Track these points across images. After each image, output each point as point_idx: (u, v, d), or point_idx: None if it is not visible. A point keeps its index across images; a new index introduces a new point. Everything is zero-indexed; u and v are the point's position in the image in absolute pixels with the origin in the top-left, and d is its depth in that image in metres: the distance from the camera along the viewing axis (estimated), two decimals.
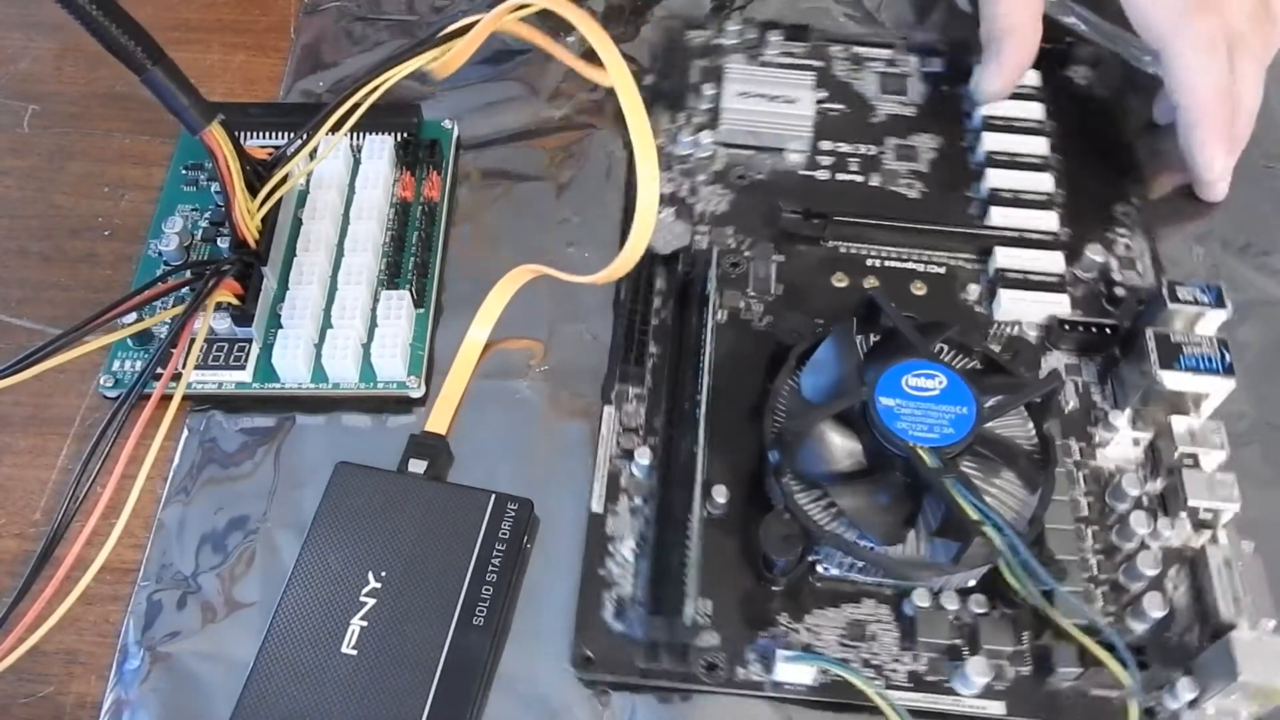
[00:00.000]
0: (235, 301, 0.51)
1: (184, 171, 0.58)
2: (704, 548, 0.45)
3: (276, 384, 0.52)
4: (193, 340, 0.50)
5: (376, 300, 0.53)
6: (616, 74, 0.47)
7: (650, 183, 0.47)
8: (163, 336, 0.51)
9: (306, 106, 0.60)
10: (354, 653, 0.43)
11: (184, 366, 0.49)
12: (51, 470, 0.50)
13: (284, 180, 0.51)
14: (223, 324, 0.52)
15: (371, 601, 0.44)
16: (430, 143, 0.58)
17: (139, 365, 0.52)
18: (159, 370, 0.48)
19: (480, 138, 0.60)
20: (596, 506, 0.48)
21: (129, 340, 0.52)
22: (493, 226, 0.58)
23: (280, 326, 0.52)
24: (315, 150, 0.52)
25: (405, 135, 0.58)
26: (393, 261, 0.55)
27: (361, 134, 0.58)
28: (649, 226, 0.48)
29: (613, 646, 0.45)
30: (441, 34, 0.55)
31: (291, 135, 0.52)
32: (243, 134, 0.51)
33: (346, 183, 0.57)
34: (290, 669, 0.43)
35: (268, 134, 0.57)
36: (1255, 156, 0.60)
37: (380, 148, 0.57)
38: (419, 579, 0.45)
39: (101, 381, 0.51)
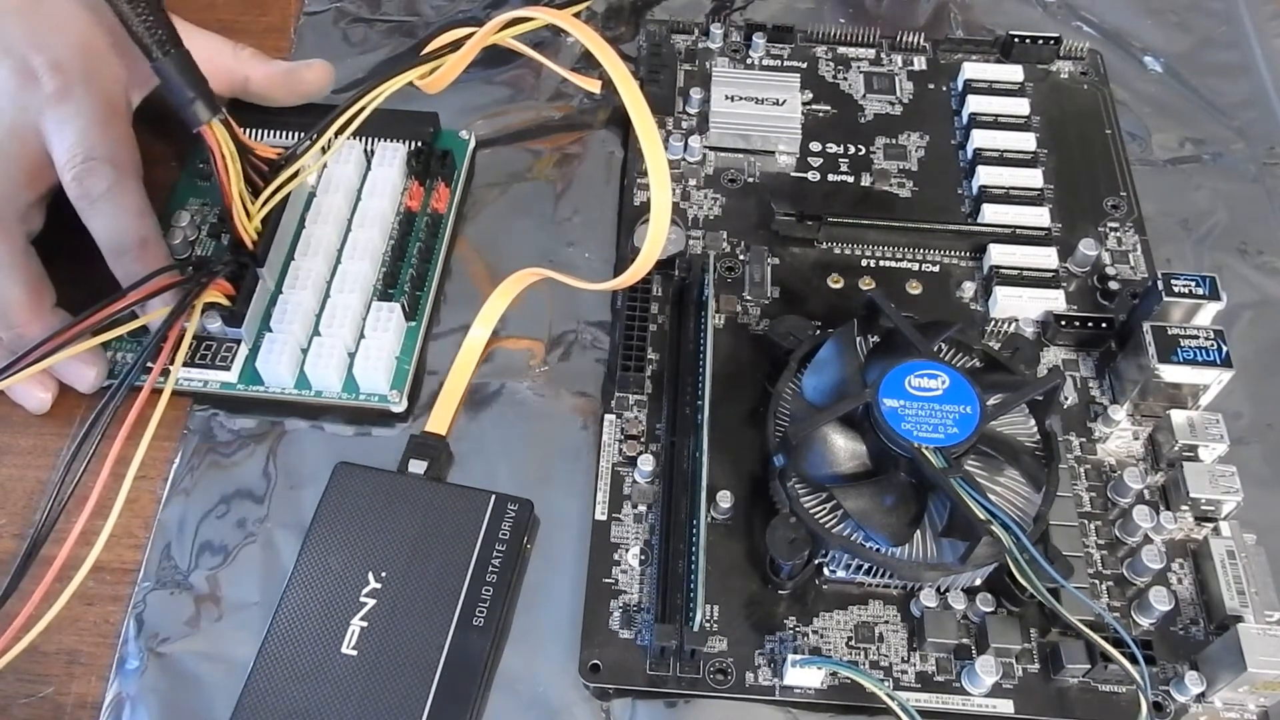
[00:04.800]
0: (225, 302, 0.48)
1: (200, 165, 0.55)
2: (710, 553, 0.43)
3: (260, 387, 0.48)
4: (181, 338, 0.46)
5: (369, 310, 0.50)
6: (624, 87, 0.45)
7: (663, 193, 0.45)
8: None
9: (314, 108, 0.56)
10: (354, 653, 0.41)
11: (172, 364, 0.46)
12: (51, 470, 0.47)
13: (285, 183, 0.48)
14: (215, 322, 0.49)
15: (371, 602, 0.42)
16: (443, 154, 0.55)
17: (132, 358, 0.49)
18: (149, 365, 0.45)
19: (481, 138, 0.57)
20: (600, 514, 0.45)
21: (125, 334, 0.48)
22: (493, 226, 0.55)
23: (269, 330, 0.49)
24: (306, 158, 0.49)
25: (420, 144, 0.55)
26: (390, 272, 0.51)
27: (375, 139, 0.54)
28: (661, 238, 0.46)
29: (620, 655, 0.43)
30: (430, 48, 0.53)
31: (299, 136, 0.49)
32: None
33: (356, 188, 0.54)
34: (290, 669, 0.41)
35: (266, 133, 0.54)
36: (1255, 155, 0.58)
37: (392, 155, 0.54)
38: (419, 579, 0.43)
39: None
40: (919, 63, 0.60)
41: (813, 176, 0.56)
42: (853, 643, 0.43)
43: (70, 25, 0.48)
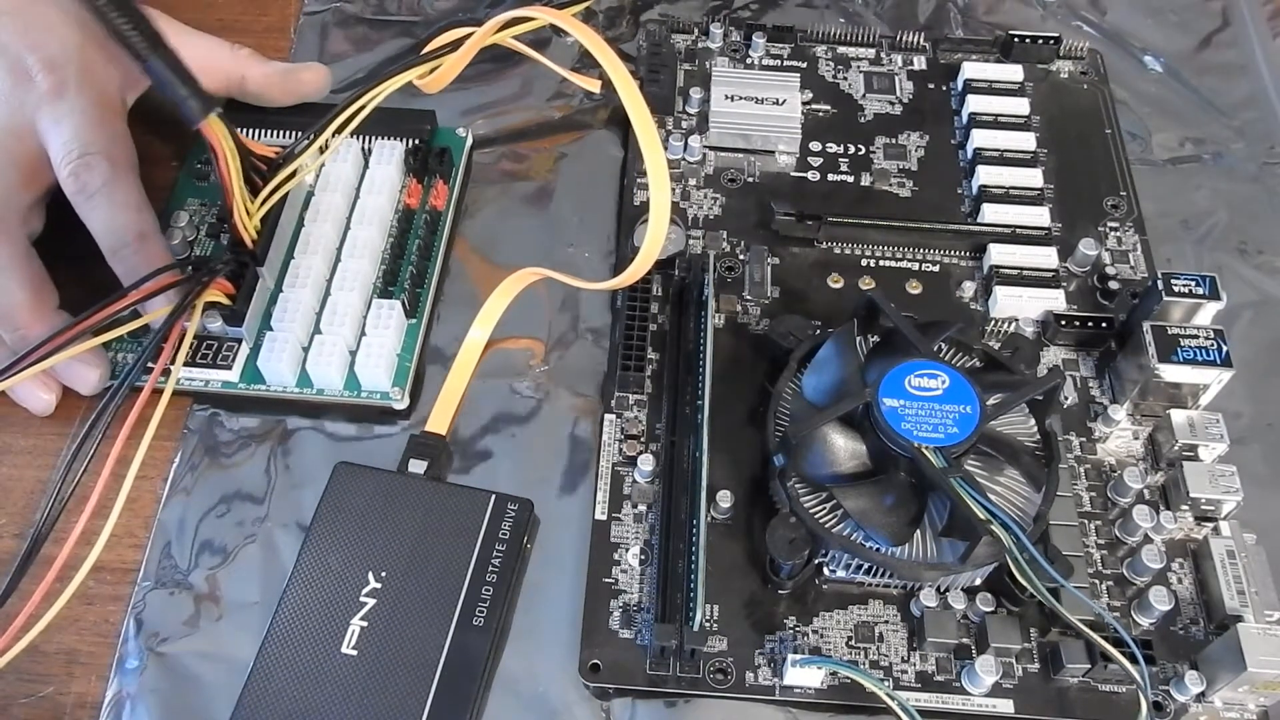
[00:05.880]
0: (226, 301, 0.48)
1: (198, 166, 0.55)
2: (710, 553, 0.43)
3: (262, 386, 0.48)
4: (182, 337, 0.46)
5: (370, 308, 0.50)
6: (623, 87, 0.45)
7: (662, 193, 0.45)
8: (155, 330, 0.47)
9: (317, 108, 0.55)
10: (354, 653, 0.41)
11: (173, 364, 0.46)
12: (51, 470, 0.47)
13: (284, 182, 0.48)
14: (216, 322, 0.48)
15: (371, 602, 0.42)
16: (440, 151, 0.54)
17: (131, 357, 0.49)
18: (150, 365, 0.45)
19: (481, 137, 0.57)
20: (600, 514, 0.45)
21: (125, 334, 0.48)
22: (493, 226, 0.55)
23: (270, 329, 0.48)
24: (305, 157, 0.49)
25: (417, 141, 0.54)
26: (390, 269, 0.51)
27: (372, 137, 0.54)
28: (660, 238, 0.46)
29: (620, 655, 0.42)
30: (430, 48, 0.53)
31: (298, 135, 0.49)
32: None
33: (354, 186, 0.54)
34: (290, 669, 0.41)
35: (264, 133, 0.54)
36: (1255, 155, 0.58)
37: (390, 153, 0.54)
38: (419, 579, 0.43)
39: None
40: (919, 63, 0.60)
41: (813, 176, 0.56)
42: (853, 642, 0.42)
43: (63, 24, 0.48)
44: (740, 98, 0.56)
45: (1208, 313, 0.47)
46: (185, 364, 0.47)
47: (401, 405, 0.48)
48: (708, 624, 0.42)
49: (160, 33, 0.43)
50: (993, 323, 0.51)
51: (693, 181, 0.55)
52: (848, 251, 0.53)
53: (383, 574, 0.42)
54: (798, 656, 0.40)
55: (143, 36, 0.42)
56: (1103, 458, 0.47)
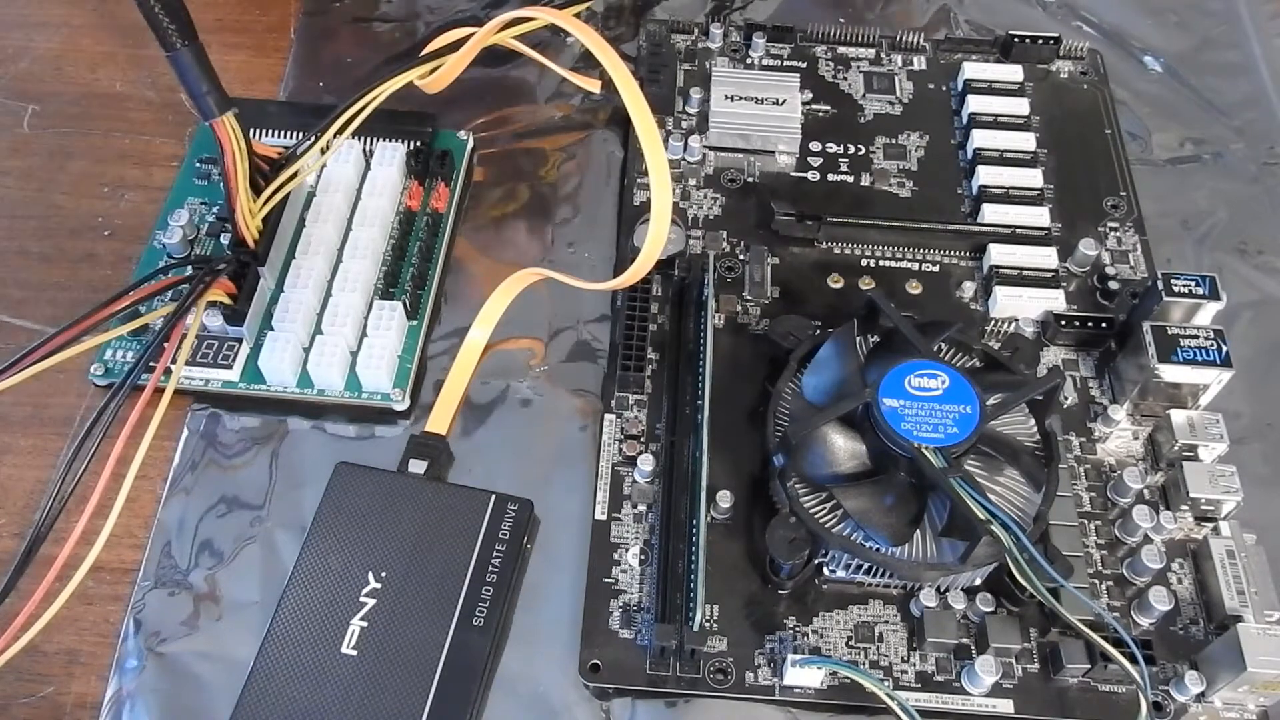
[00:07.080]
0: (228, 301, 0.48)
1: (198, 165, 0.55)
2: (709, 553, 0.43)
3: (262, 386, 0.48)
4: (184, 337, 0.46)
5: (371, 309, 0.50)
6: (625, 87, 0.44)
7: (663, 193, 0.45)
8: (156, 329, 0.47)
9: (317, 108, 0.55)
10: (354, 653, 0.41)
11: (174, 364, 0.46)
12: (51, 470, 0.47)
13: (287, 181, 0.48)
14: (216, 321, 0.48)
15: (371, 602, 0.42)
16: (442, 154, 0.54)
17: (130, 356, 0.49)
18: (151, 364, 0.45)
19: (481, 138, 0.57)
20: (600, 514, 0.45)
21: (125, 334, 0.48)
22: (493, 226, 0.55)
23: (271, 329, 0.48)
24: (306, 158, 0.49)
25: (418, 144, 0.54)
26: (391, 271, 0.51)
27: (373, 139, 0.54)
28: (661, 238, 0.46)
29: (620, 655, 0.42)
30: (430, 48, 0.53)
31: (300, 135, 0.49)
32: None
33: (355, 187, 0.54)
34: (290, 669, 0.41)
35: (266, 133, 0.54)
36: (1255, 155, 0.58)
37: (391, 155, 0.54)
38: (419, 579, 0.43)
39: (92, 370, 0.48)
40: (919, 63, 0.60)
41: (813, 176, 0.56)
42: (853, 642, 0.42)
43: None
44: (740, 98, 0.56)
45: (1208, 313, 0.47)
46: (186, 363, 0.47)
47: (402, 407, 0.48)
48: (708, 624, 0.42)
49: (193, 26, 0.43)
50: (993, 323, 0.51)
51: (693, 181, 0.55)
52: (848, 251, 0.53)
53: (383, 574, 0.42)
54: (798, 656, 0.40)
55: (176, 26, 0.42)
56: (1103, 458, 0.47)
